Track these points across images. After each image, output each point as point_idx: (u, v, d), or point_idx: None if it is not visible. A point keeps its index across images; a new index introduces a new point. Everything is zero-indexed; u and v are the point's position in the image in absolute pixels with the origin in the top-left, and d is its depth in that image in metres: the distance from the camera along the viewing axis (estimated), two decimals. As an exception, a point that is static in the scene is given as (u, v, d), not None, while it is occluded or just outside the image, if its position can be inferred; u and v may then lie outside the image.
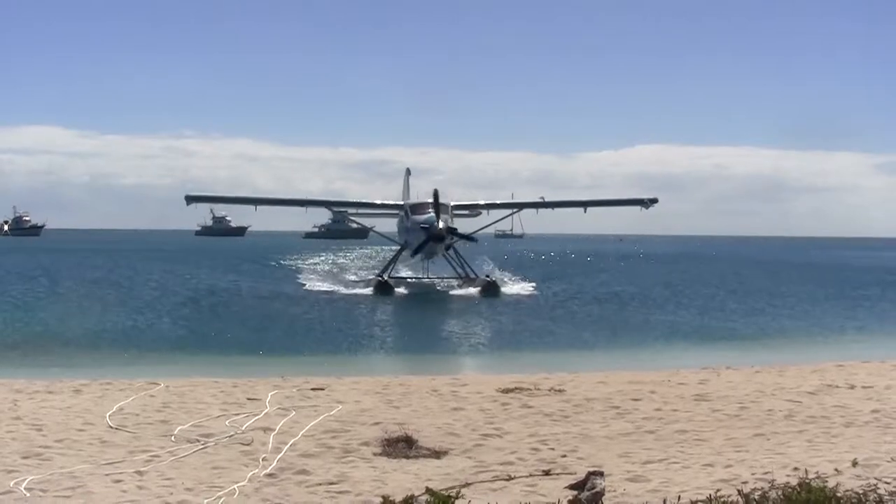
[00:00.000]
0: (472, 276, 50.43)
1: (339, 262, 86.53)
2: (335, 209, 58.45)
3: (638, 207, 53.09)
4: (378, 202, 55.31)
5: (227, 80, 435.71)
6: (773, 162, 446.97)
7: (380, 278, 49.56)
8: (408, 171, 60.30)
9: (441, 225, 45.29)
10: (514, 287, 52.80)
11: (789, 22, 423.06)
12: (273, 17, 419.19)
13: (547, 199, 54.25)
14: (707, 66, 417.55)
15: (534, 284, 54.26)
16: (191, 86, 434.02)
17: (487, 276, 50.57)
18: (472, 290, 48.05)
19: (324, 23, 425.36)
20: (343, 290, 49.68)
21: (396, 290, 48.36)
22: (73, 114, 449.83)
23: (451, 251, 49.95)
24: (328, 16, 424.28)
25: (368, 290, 48.25)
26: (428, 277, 52.52)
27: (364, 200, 56.72)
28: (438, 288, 50.89)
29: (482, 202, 53.82)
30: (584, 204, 53.90)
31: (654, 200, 52.72)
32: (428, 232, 45.61)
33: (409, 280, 52.72)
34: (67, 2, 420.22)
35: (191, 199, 50.82)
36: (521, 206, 54.48)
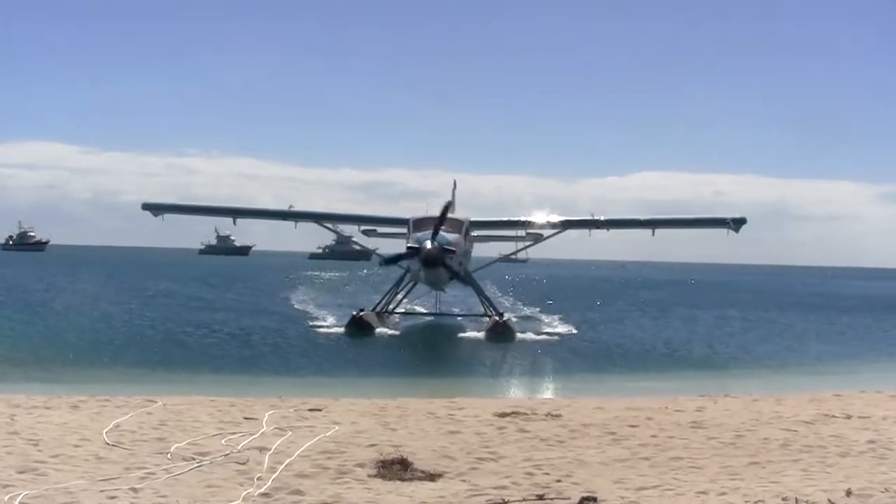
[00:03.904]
0: (490, 312, 41.50)
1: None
2: (325, 223, 47.41)
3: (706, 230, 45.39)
4: (373, 215, 47.11)
5: (229, 99, 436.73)
6: (774, 190, 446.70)
7: (354, 313, 40.76)
8: (454, 184, 51.21)
9: (431, 245, 36.60)
10: (550, 327, 44.28)
11: (791, 52, 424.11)
12: (275, 38, 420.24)
13: (598, 218, 43.59)
14: (709, 94, 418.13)
15: (558, 318, 48.03)
16: (192, 104, 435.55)
17: (500, 314, 41.19)
18: (477, 334, 39.41)
19: (327, 44, 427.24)
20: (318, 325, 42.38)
21: (379, 329, 39.81)
22: (75, 130, 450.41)
23: (467, 280, 42.00)
24: (331, 38, 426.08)
25: (339, 329, 39.78)
26: (436, 313, 45.07)
27: (359, 213, 48.49)
28: (462, 324, 43.19)
29: (524, 218, 43.99)
30: (652, 224, 44.08)
31: (742, 221, 42.68)
32: (416, 254, 37.44)
33: (409, 314, 45.56)
34: (70, 19, 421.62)
35: (151, 209, 44.38)
36: (567, 225, 43.89)
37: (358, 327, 39.26)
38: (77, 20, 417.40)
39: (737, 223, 42.37)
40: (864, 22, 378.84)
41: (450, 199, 38.28)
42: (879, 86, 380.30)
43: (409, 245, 38.20)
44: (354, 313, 40.70)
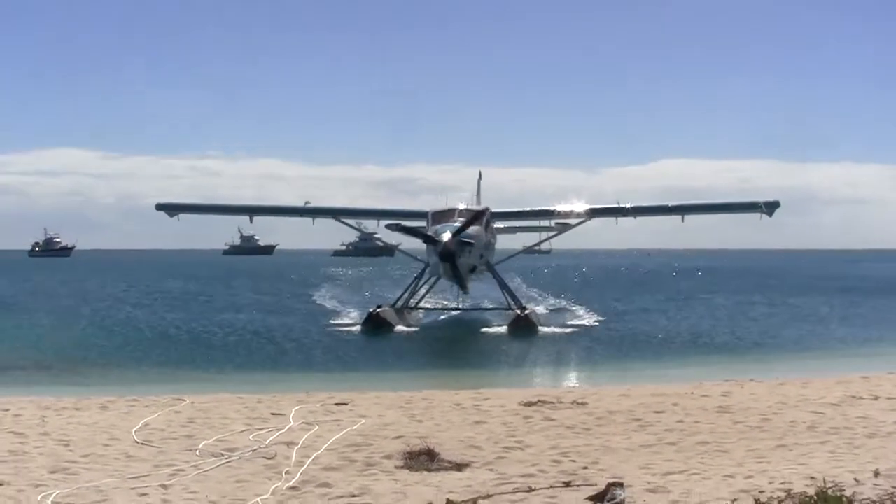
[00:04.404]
0: (513, 306, 40.30)
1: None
2: (344, 219, 45.67)
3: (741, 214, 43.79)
4: (390, 209, 45.24)
5: (251, 101, 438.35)
6: (797, 175, 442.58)
7: (371, 310, 39.73)
8: (480, 175, 49.73)
9: (446, 238, 35.60)
10: (575, 317, 43.79)
11: (815, 37, 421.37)
12: (296, 39, 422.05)
13: (625, 205, 42.26)
14: (729, 80, 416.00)
15: (584, 308, 47.79)
16: (214, 106, 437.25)
17: (523, 308, 39.88)
18: (499, 328, 38.38)
19: (346, 43, 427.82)
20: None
21: (398, 326, 38.60)
22: (98, 136, 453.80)
23: (489, 273, 41.15)
24: (350, 37, 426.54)
25: (356, 328, 38.79)
26: (458, 307, 43.50)
27: (377, 208, 47.56)
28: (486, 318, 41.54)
29: (549, 207, 42.94)
30: (681, 210, 42.37)
31: (776, 204, 40.90)
32: (434, 248, 36.62)
33: (431, 310, 43.82)
34: (92, 27, 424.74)
35: (166, 210, 43.75)
36: (594, 213, 42.49)
37: (375, 325, 38.10)
38: (97, 27, 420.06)
39: (769, 207, 40.52)
40: (885, 4, 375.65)
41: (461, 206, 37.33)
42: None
43: (425, 238, 37.34)
44: (371, 310, 39.65)
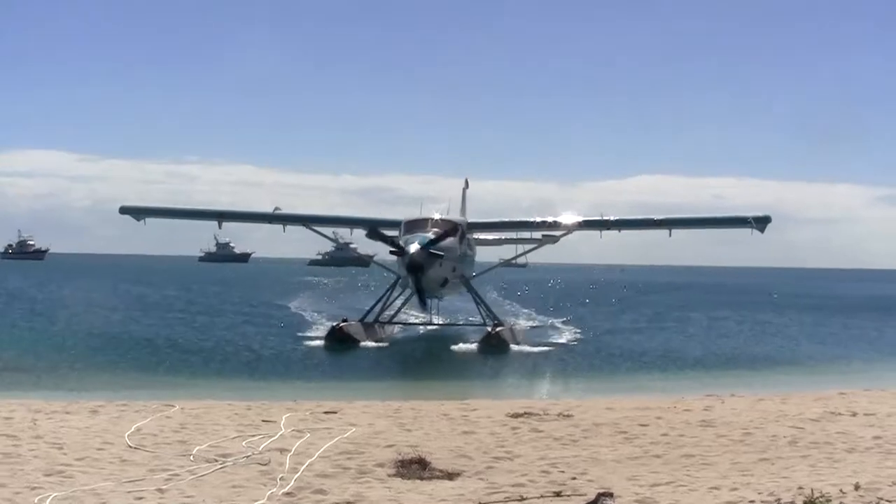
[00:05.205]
0: (486, 322, 38.67)
1: None
2: (314, 227, 42.97)
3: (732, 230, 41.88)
4: (361, 217, 42.58)
5: (230, 106, 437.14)
6: (775, 193, 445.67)
7: (335, 324, 37.47)
8: (466, 183, 47.59)
9: (414, 249, 34.08)
10: (554, 333, 43.24)
11: (788, 56, 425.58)
12: (275, 45, 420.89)
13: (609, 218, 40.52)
14: (707, 97, 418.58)
15: (562, 323, 48.21)
16: (193, 111, 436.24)
17: (495, 325, 37.84)
18: (470, 346, 36.35)
19: (326, 51, 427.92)
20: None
21: (364, 342, 36.32)
22: (74, 138, 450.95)
23: (465, 287, 39.84)
24: (331, 44, 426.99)
25: (319, 343, 36.48)
26: (430, 322, 42.03)
27: (348, 216, 45.13)
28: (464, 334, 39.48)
29: (532, 219, 41.88)
30: (668, 224, 40.44)
31: (766, 219, 38.82)
32: (402, 259, 35.20)
33: (401, 324, 41.72)
34: (69, 27, 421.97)
35: (130, 213, 42.11)
36: (579, 225, 40.80)
37: (338, 340, 35.86)
38: (75, 28, 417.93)
39: (759, 222, 38.58)
40: (860, 21, 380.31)
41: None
42: (876, 87, 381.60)
43: (392, 250, 35.74)
44: (335, 325, 37.36)
